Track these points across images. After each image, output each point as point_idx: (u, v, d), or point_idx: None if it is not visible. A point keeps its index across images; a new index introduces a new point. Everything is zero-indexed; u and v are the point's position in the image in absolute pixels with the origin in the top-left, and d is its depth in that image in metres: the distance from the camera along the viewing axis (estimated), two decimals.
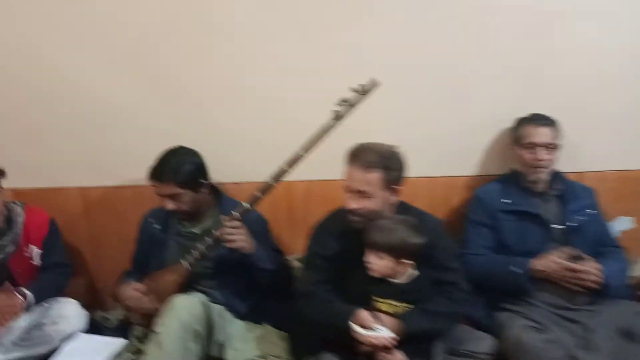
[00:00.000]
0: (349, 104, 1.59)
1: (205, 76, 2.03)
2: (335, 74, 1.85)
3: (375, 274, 1.45)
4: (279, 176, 1.64)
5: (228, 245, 1.67)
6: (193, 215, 1.87)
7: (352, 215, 1.53)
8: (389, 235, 1.43)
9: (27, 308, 1.84)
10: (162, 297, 1.77)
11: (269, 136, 2.03)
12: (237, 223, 1.68)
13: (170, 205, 1.78)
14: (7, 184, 2.07)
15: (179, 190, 1.76)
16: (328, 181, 2.05)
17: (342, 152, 1.56)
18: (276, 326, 1.78)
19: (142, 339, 1.91)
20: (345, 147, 1.56)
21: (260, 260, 1.75)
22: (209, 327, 1.59)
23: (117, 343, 1.72)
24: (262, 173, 1.67)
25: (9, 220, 1.89)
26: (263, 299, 1.82)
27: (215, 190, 1.96)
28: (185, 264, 1.79)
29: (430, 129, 2.02)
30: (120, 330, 1.87)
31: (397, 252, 1.44)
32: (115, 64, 2.03)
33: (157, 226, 1.93)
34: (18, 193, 2.11)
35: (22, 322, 1.87)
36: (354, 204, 1.50)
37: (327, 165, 1.75)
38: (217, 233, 1.69)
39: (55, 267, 1.97)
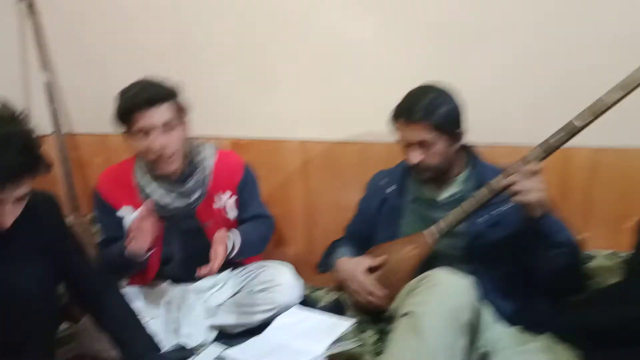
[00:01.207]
0: None
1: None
2: None
3: None
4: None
5: (517, 199, 1.18)
6: (440, 176, 1.43)
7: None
8: None
9: (233, 251, 1.51)
10: (394, 275, 1.39)
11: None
12: (536, 166, 1.18)
13: (416, 156, 1.37)
14: (227, 133, 1.92)
15: (431, 135, 1.34)
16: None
17: None
18: (563, 339, 1.23)
19: (365, 326, 1.56)
20: None
21: (553, 230, 1.22)
22: (476, 325, 1.12)
23: (344, 325, 1.37)
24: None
25: (195, 163, 1.56)
26: (539, 299, 1.30)
27: (468, 150, 1.50)
28: (430, 233, 1.37)
29: None
30: (333, 312, 1.53)
31: None
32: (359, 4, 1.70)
33: (390, 188, 1.55)
34: (234, 143, 1.93)
35: (230, 287, 1.67)
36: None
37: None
38: (498, 182, 1.23)
39: (253, 218, 1.66)
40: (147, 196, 1.52)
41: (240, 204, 1.64)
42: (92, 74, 2.03)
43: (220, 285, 1.68)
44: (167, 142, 1.43)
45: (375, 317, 1.51)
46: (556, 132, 1.20)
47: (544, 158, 1.22)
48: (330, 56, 1.76)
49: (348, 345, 1.37)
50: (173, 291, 1.66)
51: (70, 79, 2.08)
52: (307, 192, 1.92)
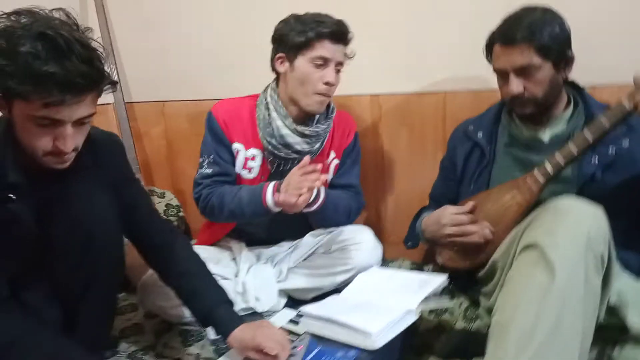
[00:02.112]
0: None
1: None
2: None
3: None
4: None
5: None
6: (543, 112, 1.25)
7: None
8: None
9: (317, 200, 1.37)
10: (494, 227, 1.21)
11: None
12: None
13: (517, 85, 1.20)
14: None
15: (535, 59, 1.16)
16: None
17: None
18: None
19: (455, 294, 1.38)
20: None
21: None
22: (609, 265, 0.93)
23: (437, 280, 1.19)
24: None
25: (327, 115, 1.48)
26: None
27: (574, 85, 1.31)
28: (534, 178, 1.19)
29: None
30: None
31: None
32: None
33: (479, 134, 1.37)
34: None
35: (304, 248, 1.53)
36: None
37: None
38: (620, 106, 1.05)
39: (346, 187, 1.54)
40: (272, 132, 1.41)
41: (339, 169, 1.54)
42: (149, 36, 1.96)
43: (292, 248, 1.55)
44: (337, 81, 1.41)
45: (466, 283, 1.34)
46: None
47: None
48: None
49: (444, 302, 1.20)
50: (244, 252, 1.55)
51: (128, 46, 2.02)
52: (379, 152, 1.76)
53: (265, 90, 1.47)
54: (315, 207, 1.37)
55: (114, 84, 0.96)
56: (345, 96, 1.70)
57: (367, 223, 1.74)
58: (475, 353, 1.07)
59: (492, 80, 1.32)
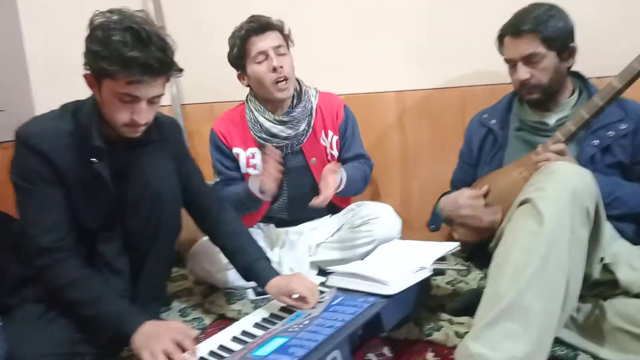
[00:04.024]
0: None
1: None
2: None
3: None
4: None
5: None
6: (549, 98, 1.39)
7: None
8: None
9: (341, 185, 1.53)
10: (506, 200, 1.33)
11: None
12: None
13: (524, 72, 1.35)
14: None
15: (540, 48, 1.31)
16: None
17: None
18: None
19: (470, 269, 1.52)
20: None
21: None
22: (598, 222, 1.06)
23: (449, 245, 1.35)
24: None
25: (301, 96, 1.65)
26: None
27: (578, 75, 1.45)
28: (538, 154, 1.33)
29: None
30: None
31: None
32: None
33: (493, 121, 1.52)
34: None
35: (331, 226, 1.71)
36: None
37: None
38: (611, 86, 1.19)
39: (355, 158, 1.70)
40: (260, 128, 1.62)
41: (342, 144, 1.70)
42: (200, 44, 2.19)
43: (317, 226, 1.73)
44: (283, 63, 1.55)
45: (483, 261, 1.46)
46: None
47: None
48: None
49: (454, 265, 1.34)
50: (274, 231, 1.74)
51: (180, 50, 2.26)
52: (404, 144, 1.93)
53: (247, 96, 1.69)
54: (341, 188, 1.55)
55: (180, 70, 1.19)
56: (372, 94, 1.90)
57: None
58: None
59: (507, 75, 1.45)
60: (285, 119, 1.61)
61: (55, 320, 1.19)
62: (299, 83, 1.67)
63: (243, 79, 1.64)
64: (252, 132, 1.64)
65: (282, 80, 1.55)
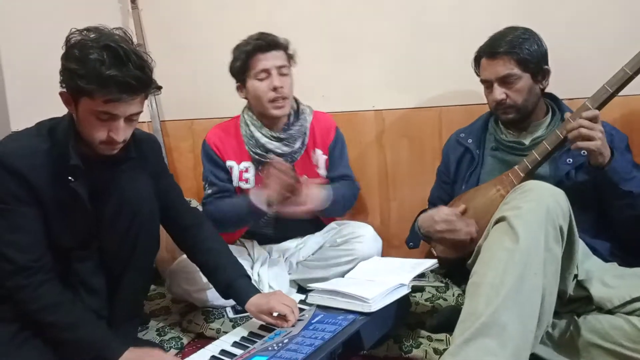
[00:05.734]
0: None
1: None
2: None
3: None
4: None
5: (579, 145, 1.21)
6: (523, 118, 1.43)
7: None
8: None
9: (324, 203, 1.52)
10: (483, 218, 1.36)
11: None
12: (595, 113, 1.21)
13: (500, 92, 1.39)
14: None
15: (515, 70, 1.36)
16: None
17: None
18: None
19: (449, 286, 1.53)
20: None
21: (624, 178, 1.23)
22: (571, 239, 1.09)
23: (427, 262, 1.36)
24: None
25: (298, 114, 1.67)
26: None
27: (552, 97, 1.50)
28: (516, 173, 1.36)
29: None
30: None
31: None
32: None
33: (469, 140, 1.56)
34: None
35: (313, 244, 1.71)
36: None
37: None
38: (565, 127, 1.25)
39: (341, 179, 1.71)
40: (255, 143, 1.62)
41: (329, 164, 1.71)
42: (180, 62, 2.20)
43: (302, 245, 1.73)
44: (284, 83, 1.57)
45: (461, 279, 1.49)
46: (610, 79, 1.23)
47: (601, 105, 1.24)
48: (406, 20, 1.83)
49: (432, 282, 1.36)
50: (257, 249, 1.73)
51: (161, 70, 2.26)
52: (383, 162, 1.96)
53: (243, 110, 1.69)
54: (327, 205, 1.54)
55: (159, 88, 1.19)
56: (352, 112, 1.93)
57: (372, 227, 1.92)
58: None
59: (483, 96, 1.50)
60: (282, 136, 1.62)
61: (28, 342, 1.15)
62: (296, 101, 1.69)
63: (241, 91, 1.65)
64: (247, 147, 1.64)
65: (279, 99, 1.57)
